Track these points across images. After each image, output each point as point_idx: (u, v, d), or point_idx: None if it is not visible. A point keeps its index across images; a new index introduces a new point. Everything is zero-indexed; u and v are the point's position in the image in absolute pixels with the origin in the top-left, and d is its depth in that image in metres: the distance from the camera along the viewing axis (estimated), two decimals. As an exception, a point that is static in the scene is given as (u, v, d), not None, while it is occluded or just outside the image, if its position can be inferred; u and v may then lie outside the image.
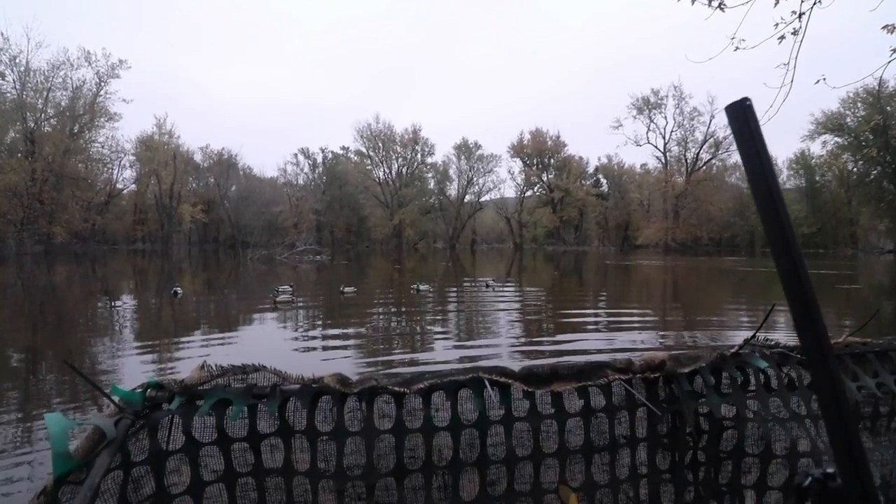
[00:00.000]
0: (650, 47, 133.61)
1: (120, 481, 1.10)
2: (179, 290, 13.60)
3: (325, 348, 7.68)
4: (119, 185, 59.18)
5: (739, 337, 1.90)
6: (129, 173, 59.73)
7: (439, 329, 9.26)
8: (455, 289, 17.41)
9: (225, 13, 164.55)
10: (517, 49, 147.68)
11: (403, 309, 12.03)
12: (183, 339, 8.09)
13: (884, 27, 4.11)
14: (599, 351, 7.15)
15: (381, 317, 10.98)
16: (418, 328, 9.40)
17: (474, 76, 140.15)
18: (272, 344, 7.89)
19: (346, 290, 14.24)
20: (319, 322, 10.41)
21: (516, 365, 1.72)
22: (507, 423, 1.39)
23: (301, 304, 12.39)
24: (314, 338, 8.44)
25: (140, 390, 1.17)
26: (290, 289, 13.28)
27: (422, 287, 14.85)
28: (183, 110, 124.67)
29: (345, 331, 8.82)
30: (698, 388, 1.52)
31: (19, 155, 42.53)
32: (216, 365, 1.32)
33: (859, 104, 47.75)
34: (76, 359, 6.71)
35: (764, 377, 1.55)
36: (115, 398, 1.13)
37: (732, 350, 1.54)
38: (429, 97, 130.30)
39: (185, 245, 64.35)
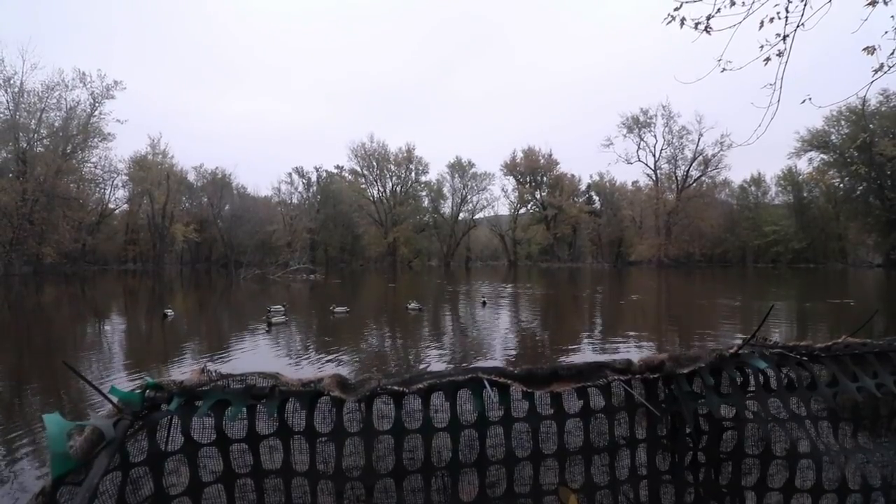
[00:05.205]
0: (639, 68, 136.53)
1: (119, 482, 1.09)
2: (170, 312, 13.27)
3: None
4: (111, 205, 58.88)
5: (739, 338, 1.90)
6: (121, 193, 59.44)
7: (435, 349, 9.17)
8: (449, 306, 17.34)
9: (221, 48, 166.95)
10: (509, 77, 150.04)
11: (397, 329, 11.93)
12: (172, 366, 7.71)
13: (864, 49, 4.22)
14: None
15: (373, 338, 10.81)
16: (412, 349, 9.31)
17: (467, 102, 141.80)
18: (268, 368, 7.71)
19: (338, 310, 13.85)
20: (311, 344, 10.21)
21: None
22: (507, 424, 1.38)
23: (292, 326, 12.15)
24: (304, 363, 8.18)
25: (139, 391, 1.16)
26: (283, 308, 13.16)
27: (415, 306, 14.71)
28: (177, 136, 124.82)
29: (337, 354, 8.53)
30: (698, 388, 1.51)
31: (10, 175, 42.29)
32: (216, 371, 1.32)
33: (843, 122, 48.74)
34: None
35: (763, 378, 1.55)
36: (114, 399, 1.13)
37: (732, 350, 1.53)
38: (422, 121, 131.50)
39: (177, 265, 63.78)
